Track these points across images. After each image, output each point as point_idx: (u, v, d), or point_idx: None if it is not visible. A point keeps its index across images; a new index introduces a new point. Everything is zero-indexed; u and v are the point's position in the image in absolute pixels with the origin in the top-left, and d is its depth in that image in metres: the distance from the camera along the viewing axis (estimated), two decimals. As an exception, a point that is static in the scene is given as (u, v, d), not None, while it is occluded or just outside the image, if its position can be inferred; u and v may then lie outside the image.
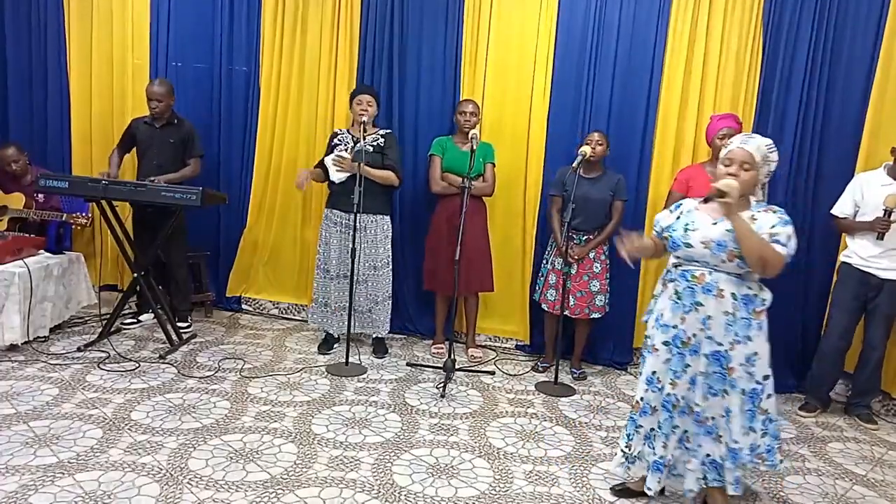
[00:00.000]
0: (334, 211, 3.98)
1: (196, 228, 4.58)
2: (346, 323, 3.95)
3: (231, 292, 4.83)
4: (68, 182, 3.67)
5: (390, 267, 4.08)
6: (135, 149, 4.23)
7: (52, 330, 3.97)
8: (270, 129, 4.65)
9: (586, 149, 3.76)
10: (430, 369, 3.95)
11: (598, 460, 2.97)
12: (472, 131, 3.84)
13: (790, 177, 3.97)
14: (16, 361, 3.55)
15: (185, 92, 4.51)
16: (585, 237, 3.92)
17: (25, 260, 3.80)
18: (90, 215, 4.17)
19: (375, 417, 3.23)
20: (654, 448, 2.48)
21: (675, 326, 2.39)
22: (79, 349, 3.80)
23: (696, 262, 2.37)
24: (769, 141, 2.35)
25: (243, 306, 4.86)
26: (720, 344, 2.33)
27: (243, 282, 4.84)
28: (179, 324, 4.17)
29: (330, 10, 4.48)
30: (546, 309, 4.01)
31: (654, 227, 2.54)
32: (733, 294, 2.31)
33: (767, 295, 2.36)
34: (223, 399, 3.29)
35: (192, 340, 4.13)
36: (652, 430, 2.48)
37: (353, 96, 3.99)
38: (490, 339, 4.56)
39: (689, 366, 2.38)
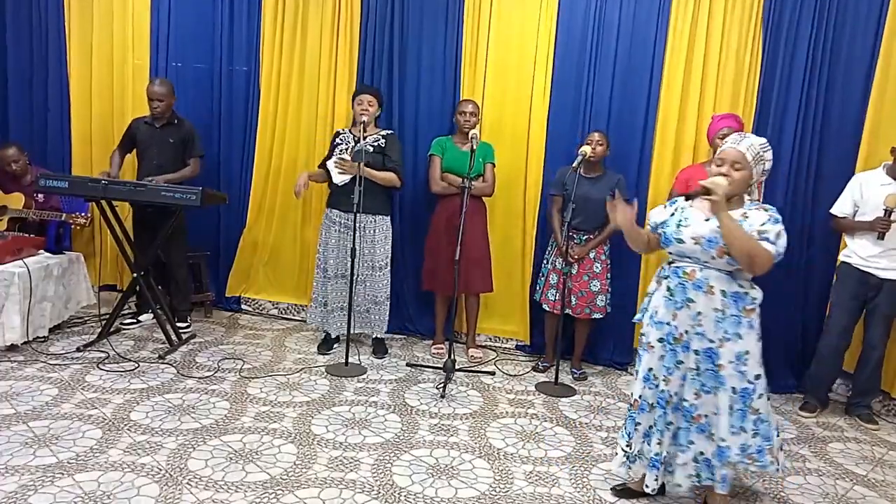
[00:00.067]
0: (334, 210, 3.98)
1: (196, 228, 4.58)
2: (344, 323, 3.97)
3: (231, 292, 4.82)
4: (68, 182, 3.67)
5: (389, 268, 4.07)
6: (135, 149, 4.23)
7: (51, 330, 3.96)
8: (270, 129, 4.65)
9: (586, 148, 3.76)
10: (430, 369, 3.95)
11: (599, 461, 2.96)
12: (472, 131, 3.83)
13: (790, 177, 3.96)
14: (15, 361, 3.55)
15: (185, 92, 4.50)
16: (586, 237, 3.92)
17: (25, 260, 3.80)
18: (89, 215, 4.17)
19: (375, 418, 3.23)
20: (650, 445, 2.48)
21: (668, 323, 2.41)
22: (78, 349, 3.79)
23: (688, 258, 2.39)
24: (763, 140, 2.35)
25: (243, 306, 4.86)
26: (711, 341, 2.34)
27: (243, 282, 4.84)
28: (179, 324, 4.16)
29: (330, 10, 4.48)
30: (547, 309, 4.01)
31: (647, 223, 2.55)
32: (723, 291, 2.32)
33: (758, 293, 2.37)
34: (223, 399, 3.29)
35: (192, 341, 4.12)
36: (650, 427, 2.49)
37: (353, 96, 3.99)
38: (490, 339, 4.55)
39: (681, 362, 2.40)
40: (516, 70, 4.28)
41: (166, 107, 4.07)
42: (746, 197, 2.38)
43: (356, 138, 3.92)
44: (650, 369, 2.46)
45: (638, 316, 2.58)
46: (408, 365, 4.02)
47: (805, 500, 2.78)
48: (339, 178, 3.88)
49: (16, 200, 4.21)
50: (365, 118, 3.84)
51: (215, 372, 3.63)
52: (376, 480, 2.63)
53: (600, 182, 3.87)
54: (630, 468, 2.58)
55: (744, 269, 2.30)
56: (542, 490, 2.67)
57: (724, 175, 2.30)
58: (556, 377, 3.85)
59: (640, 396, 2.50)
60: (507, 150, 4.26)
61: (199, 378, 3.53)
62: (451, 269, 3.68)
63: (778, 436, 2.51)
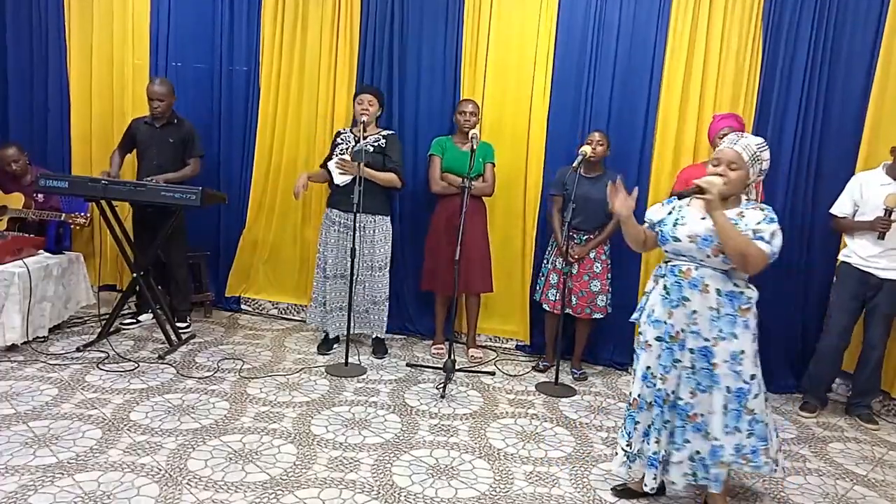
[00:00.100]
0: (334, 210, 3.98)
1: (196, 228, 4.58)
2: (342, 323, 3.97)
3: (230, 292, 4.82)
4: (68, 182, 3.67)
5: (388, 268, 4.07)
6: (135, 149, 4.23)
7: (51, 330, 3.96)
8: (270, 128, 4.65)
9: (587, 148, 3.76)
10: (430, 370, 3.95)
11: (599, 461, 2.96)
12: (472, 131, 3.83)
13: (790, 177, 3.96)
14: (15, 361, 3.55)
15: (185, 92, 4.50)
16: (586, 237, 3.92)
17: (25, 260, 3.80)
18: (89, 215, 4.16)
19: (375, 418, 3.23)
20: (649, 444, 2.48)
21: (664, 321, 2.42)
22: (78, 349, 3.79)
23: (684, 256, 2.40)
24: (760, 140, 2.36)
25: (242, 306, 4.86)
26: (706, 339, 2.35)
27: (243, 282, 4.84)
28: (178, 324, 4.16)
29: (330, 9, 4.48)
30: (547, 309, 4.01)
31: (645, 220, 2.55)
32: (718, 290, 2.33)
33: (753, 293, 2.37)
34: (222, 399, 3.29)
35: (192, 341, 4.12)
36: (649, 426, 2.49)
37: (354, 96, 3.99)
38: (490, 339, 4.55)
39: (678, 360, 2.40)
40: (516, 70, 4.28)
41: (166, 106, 4.07)
42: (744, 197, 2.39)
43: (356, 138, 3.92)
44: (648, 368, 2.47)
45: (635, 315, 2.59)
46: (408, 365, 4.01)
47: (805, 500, 2.78)
48: (340, 179, 3.88)
49: (16, 200, 4.21)
50: (365, 118, 3.84)
51: (215, 372, 3.63)
52: (376, 480, 2.63)
53: (600, 182, 3.86)
54: (630, 468, 2.58)
55: (738, 268, 2.30)
56: (542, 490, 2.67)
57: (721, 175, 2.31)
58: (557, 377, 3.84)
59: (638, 395, 2.50)
60: (507, 150, 4.26)
61: (199, 378, 3.53)
62: (451, 269, 3.68)
63: (777, 437, 2.51)
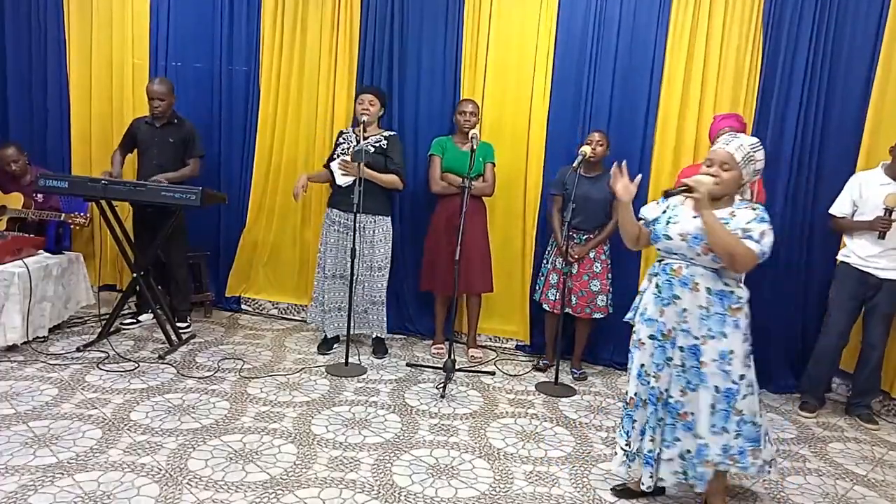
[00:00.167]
0: (334, 210, 3.98)
1: (196, 228, 4.58)
2: (339, 323, 3.97)
3: (231, 292, 4.82)
4: (68, 182, 3.67)
5: (388, 268, 4.06)
6: (136, 149, 4.23)
7: (51, 330, 3.96)
8: (270, 128, 4.64)
9: (587, 148, 3.76)
10: (430, 370, 3.95)
11: (599, 461, 2.96)
12: (472, 131, 3.83)
13: (790, 177, 3.96)
14: (15, 361, 3.55)
15: (185, 92, 4.50)
16: (586, 236, 3.92)
17: (25, 260, 3.79)
18: (89, 215, 4.16)
19: (375, 418, 3.23)
20: (644, 442, 2.49)
21: (656, 320, 2.43)
22: (78, 349, 3.79)
23: (675, 254, 2.41)
24: (754, 140, 2.36)
25: (243, 306, 4.86)
26: (696, 338, 2.35)
27: (243, 282, 4.84)
28: (179, 324, 4.16)
29: (330, 10, 4.47)
30: (547, 308, 4.01)
31: (639, 217, 2.56)
32: (708, 288, 2.33)
33: (744, 293, 2.38)
34: (222, 399, 3.29)
35: (192, 341, 4.12)
36: (644, 424, 2.49)
37: (355, 96, 3.99)
38: (490, 339, 4.55)
39: (670, 358, 2.41)
40: (516, 70, 4.28)
41: (167, 106, 4.07)
42: (737, 197, 2.39)
43: (357, 138, 3.92)
44: (642, 366, 2.48)
45: (629, 314, 2.59)
46: (408, 365, 4.01)
47: (805, 500, 2.78)
48: (342, 180, 3.88)
49: (15, 200, 4.21)
50: (365, 118, 3.84)
51: (215, 372, 3.63)
52: (376, 480, 2.63)
53: (600, 182, 3.87)
54: (630, 467, 2.58)
55: (727, 267, 2.31)
56: (542, 490, 2.67)
57: (713, 175, 2.31)
58: (556, 377, 3.84)
59: (635, 394, 2.51)
60: (507, 150, 4.26)
61: (199, 378, 3.53)
62: (452, 269, 3.68)
63: (771, 445, 2.50)
